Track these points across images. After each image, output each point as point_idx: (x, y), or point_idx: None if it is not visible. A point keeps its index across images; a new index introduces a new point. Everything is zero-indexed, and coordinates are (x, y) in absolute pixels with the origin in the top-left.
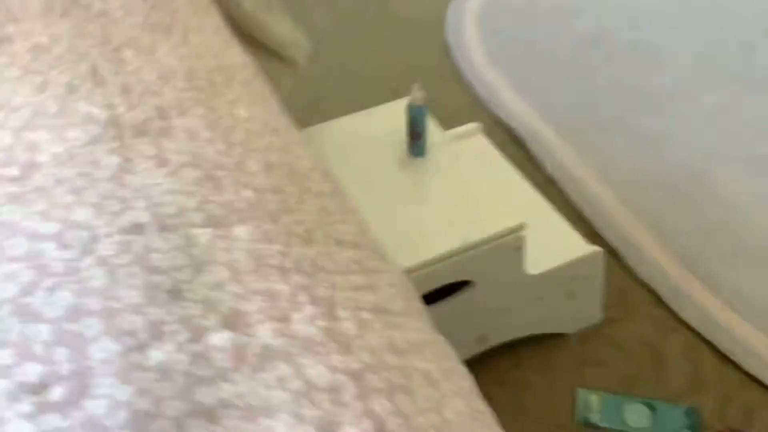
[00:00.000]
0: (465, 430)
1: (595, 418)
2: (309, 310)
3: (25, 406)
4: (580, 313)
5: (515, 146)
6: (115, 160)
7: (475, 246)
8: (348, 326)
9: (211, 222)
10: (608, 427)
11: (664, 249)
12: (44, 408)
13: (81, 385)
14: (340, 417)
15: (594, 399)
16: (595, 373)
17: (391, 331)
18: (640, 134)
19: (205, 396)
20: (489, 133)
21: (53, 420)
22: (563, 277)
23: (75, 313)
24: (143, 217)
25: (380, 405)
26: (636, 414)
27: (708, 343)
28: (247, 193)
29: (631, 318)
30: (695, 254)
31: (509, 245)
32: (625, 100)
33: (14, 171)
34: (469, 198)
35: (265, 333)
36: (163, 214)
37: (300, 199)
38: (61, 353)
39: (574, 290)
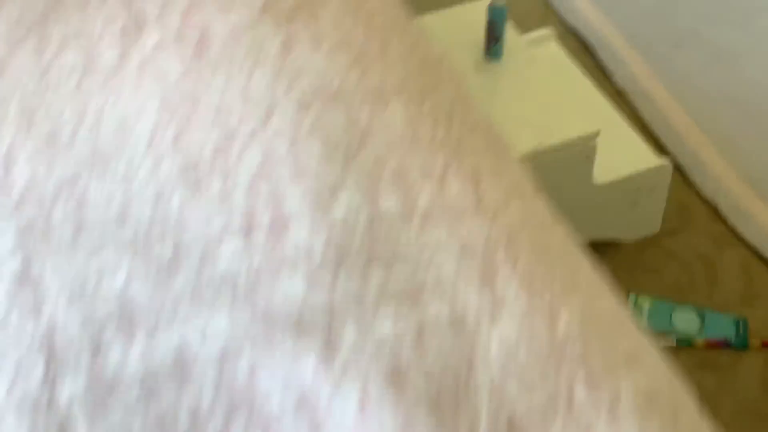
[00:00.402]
0: (600, 291)
1: (645, 322)
2: (459, 181)
3: (232, 244)
4: (640, 222)
5: (585, 55)
6: (276, 41)
7: (547, 151)
8: (494, 197)
9: (368, 99)
10: (657, 331)
11: (729, 166)
12: (249, 246)
13: (279, 229)
14: (495, 273)
15: (645, 303)
16: (648, 279)
17: (530, 206)
18: (715, 49)
19: (382, 250)
20: (559, 39)
21: (258, 251)
22: (629, 187)
23: (265, 170)
24: (310, 92)
25: (527, 265)
26: (685, 320)
27: (763, 260)
28: (394, 76)
29: (689, 231)
30: (761, 174)
31: (581, 153)
32: (702, 12)
33: (188, 49)
34: (543, 103)
35: (424, 198)
36: (327, 92)
37: (436, 84)
38: (256, 204)
39: (637, 200)
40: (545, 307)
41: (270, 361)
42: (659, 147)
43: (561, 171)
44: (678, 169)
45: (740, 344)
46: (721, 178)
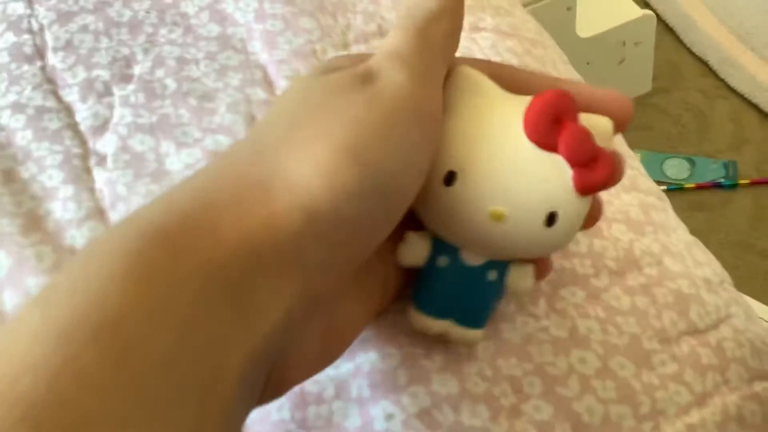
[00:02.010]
0: None
1: None
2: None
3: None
4: (629, 81)
5: None
6: None
7: (527, 3)
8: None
9: None
10: None
11: (719, 22)
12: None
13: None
14: None
15: (636, 155)
16: (639, 135)
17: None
18: None
19: None
20: None
21: None
22: (614, 41)
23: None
24: None
25: None
26: (675, 167)
27: (754, 107)
28: None
29: (679, 87)
30: (750, 28)
31: (562, 3)
32: None
33: None
34: None
35: None
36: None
37: None
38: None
39: (624, 56)
40: None
41: None
42: (645, 5)
43: (544, 25)
44: (669, 30)
45: (730, 184)
46: (711, 33)
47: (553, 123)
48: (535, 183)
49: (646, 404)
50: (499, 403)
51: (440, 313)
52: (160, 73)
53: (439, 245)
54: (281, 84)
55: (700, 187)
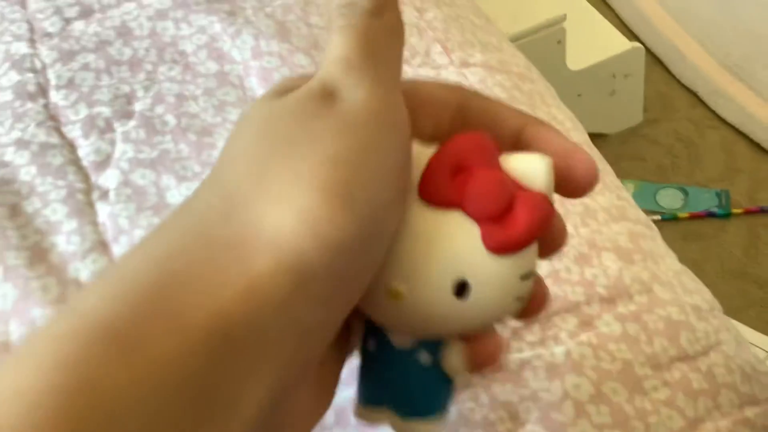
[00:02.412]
0: None
1: None
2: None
3: None
4: (621, 112)
5: None
6: None
7: (518, 37)
8: None
9: None
10: (642, 209)
11: (707, 54)
12: None
13: None
14: None
15: (629, 186)
16: (632, 165)
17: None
18: None
19: None
20: None
21: None
22: (604, 73)
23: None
24: None
25: None
26: (669, 197)
27: (744, 137)
28: None
29: (670, 118)
30: (739, 60)
31: (551, 37)
32: None
33: None
34: None
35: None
36: None
37: None
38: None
39: (615, 89)
40: None
41: (188, 17)
42: (634, 39)
43: (535, 59)
44: (657, 61)
45: (723, 213)
46: (700, 65)
47: (454, 174)
48: (434, 250)
49: (639, 429)
50: (495, 429)
51: (376, 401)
52: (160, 109)
53: (369, 327)
54: None
55: (694, 217)
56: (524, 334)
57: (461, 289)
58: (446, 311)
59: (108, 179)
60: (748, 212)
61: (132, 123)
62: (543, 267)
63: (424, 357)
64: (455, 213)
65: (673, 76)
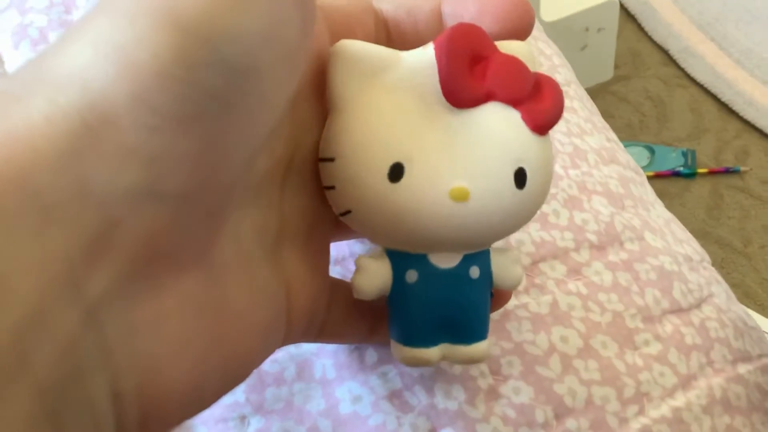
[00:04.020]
0: None
1: None
2: None
3: None
4: (592, 68)
5: None
6: None
7: None
8: None
9: None
10: None
11: (679, 11)
12: None
13: None
14: None
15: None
16: None
17: None
18: None
19: None
20: None
21: None
22: (578, 26)
23: None
24: None
25: None
26: (635, 155)
27: (712, 97)
28: None
29: (640, 75)
30: (711, 18)
31: None
32: None
33: None
34: None
35: None
36: None
37: None
38: None
39: (587, 43)
40: None
41: None
42: None
43: None
44: (631, 18)
45: (688, 173)
46: (672, 22)
47: (472, 67)
48: (487, 142)
49: (630, 386)
50: (475, 385)
51: (430, 340)
52: None
53: (401, 259)
54: None
55: (659, 176)
56: None
57: (521, 177)
58: (509, 204)
59: None
60: (712, 172)
61: None
62: None
63: (474, 271)
64: (490, 105)
65: (645, 33)
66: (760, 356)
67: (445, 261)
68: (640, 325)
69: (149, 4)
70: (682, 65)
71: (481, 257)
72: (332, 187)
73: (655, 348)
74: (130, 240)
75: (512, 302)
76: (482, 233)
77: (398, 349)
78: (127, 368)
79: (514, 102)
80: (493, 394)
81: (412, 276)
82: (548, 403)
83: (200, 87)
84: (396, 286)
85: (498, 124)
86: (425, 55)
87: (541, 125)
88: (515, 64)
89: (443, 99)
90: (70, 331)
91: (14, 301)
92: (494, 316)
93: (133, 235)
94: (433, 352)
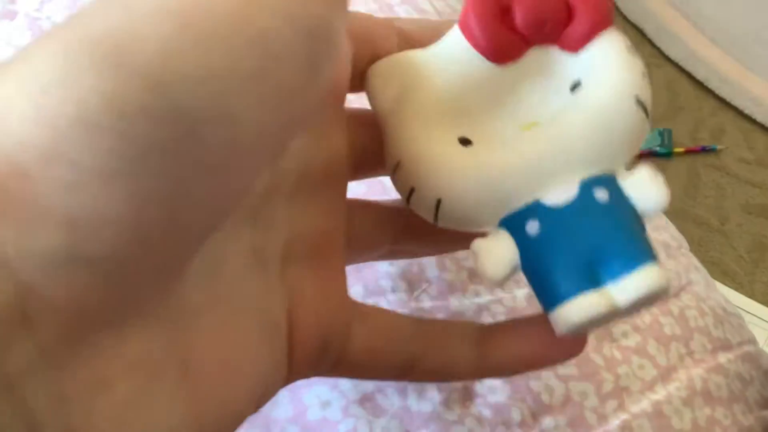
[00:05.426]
0: None
1: None
2: None
3: None
4: None
5: None
6: None
7: None
8: None
9: None
10: None
11: None
12: None
13: None
14: None
15: None
16: None
17: None
18: None
19: None
20: None
21: None
22: None
23: None
24: None
25: None
26: None
27: (688, 75)
28: None
29: None
30: None
31: None
32: None
33: None
34: None
35: None
36: None
37: None
38: None
39: None
40: None
41: None
42: None
43: None
44: None
45: (665, 152)
46: (646, 1)
47: (503, 19)
48: (536, 85)
49: (609, 381)
50: (450, 386)
51: (586, 285)
52: (49, 8)
53: (513, 221)
54: None
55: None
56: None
57: (575, 86)
58: (571, 106)
59: None
60: (689, 151)
61: (15, 24)
62: None
63: (601, 194)
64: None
65: (620, 12)
66: (740, 344)
67: (561, 196)
68: None
69: (88, 37)
70: (657, 44)
71: (604, 179)
72: (412, 192)
73: (633, 340)
74: (50, 309)
75: (487, 297)
76: (569, 142)
77: (557, 317)
78: None
79: (551, 38)
80: (468, 393)
81: (533, 227)
82: (525, 401)
83: (135, 139)
84: (523, 248)
85: (544, 67)
86: (451, 36)
87: (580, 42)
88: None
89: (481, 61)
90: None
91: None
92: (468, 312)
93: (54, 304)
94: (595, 301)
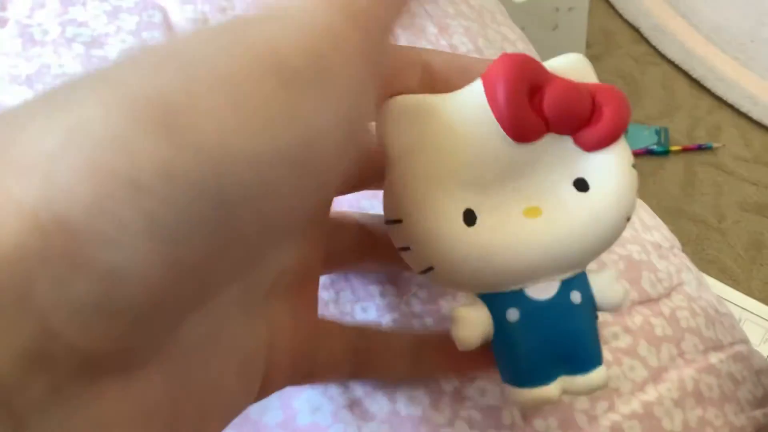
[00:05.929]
0: None
1: None
2: None
3: None
4: (563, 47)
5: None
6: None
7: None
8: None
9: None
10: None
11: None
12: None
13: None
14: None
15: None
16: None
17: None
18: None
19: None
20: None
21: None
22: (548, 6)
23: None
24: None
25: None
26: None
27: (684, 74)
28: None
29: (612, 54)
30: None
31: None
32: None
33: None
34: None
35: None
36: None
37: None
38: None
39: (558, 23)
40: None
41: None
42: None
43: None
44: None
45: (662, 151)
46: (643, 0)
47: (531, 99)
48: (544, 167)
49: None
50: (439, 388)
51: (546, 376)
52: (40, 15)
53: (497, 300)
54: (184, 27)
55: (632, 154)
56: None
57: (581, 184)
58: (577, 209)
59: None
60: (686, 149)
61: (5, 32)
62: None
63: (575, 296)
64: (547, 136)
65: (616, 11)
66: (731, 344)
67: (543, 292)
68: (609, 318)
69: (145, 96)
70: (654, 43)
71: (579, 280)
72: (407, 248)
73: (624, 341)
74: (70, 351)
75: None
76: (564, 245)
77: (515, 393)
78: None
79: (571, 131)
80: (458, 396)
81: (513, 315)
82: (515, 404)
83: (177, 206)
84: (499, 328)
85: (554, 153)
86: (473, 93)
87: (595, 146)
88: (571, 92)
89: (500, 134)
90: None
91: None
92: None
93: (75, 347)
94: (553, 389)
